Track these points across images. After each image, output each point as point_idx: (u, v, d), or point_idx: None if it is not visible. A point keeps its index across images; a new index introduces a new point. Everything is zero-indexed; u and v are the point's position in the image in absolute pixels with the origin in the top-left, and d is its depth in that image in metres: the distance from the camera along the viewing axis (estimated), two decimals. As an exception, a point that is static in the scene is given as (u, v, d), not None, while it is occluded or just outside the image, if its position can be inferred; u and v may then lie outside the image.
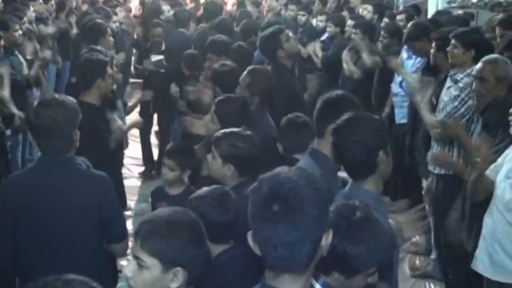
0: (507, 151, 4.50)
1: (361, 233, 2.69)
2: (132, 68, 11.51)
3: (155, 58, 9.41)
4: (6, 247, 3.83)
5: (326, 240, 2.25)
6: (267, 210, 2.20)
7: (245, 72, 5.50)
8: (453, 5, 10.60)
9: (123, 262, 4.85)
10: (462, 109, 5.54)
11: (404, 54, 7.85)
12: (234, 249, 3.51)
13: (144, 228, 2.66)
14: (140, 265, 2.62)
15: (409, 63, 7.70)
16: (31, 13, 10.02)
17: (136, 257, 2.64)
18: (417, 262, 6.93)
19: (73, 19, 11.84)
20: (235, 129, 4.32)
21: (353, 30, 8.95)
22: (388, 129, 3.53)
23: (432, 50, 6.36)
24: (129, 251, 3.79)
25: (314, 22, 11.24)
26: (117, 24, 10.53)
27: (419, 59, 7.41)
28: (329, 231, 2.26)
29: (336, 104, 3.88)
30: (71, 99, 4.09)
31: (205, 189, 3.69)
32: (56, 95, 4.48)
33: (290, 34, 6.62)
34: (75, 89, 6.04)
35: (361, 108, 3.95)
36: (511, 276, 4.34)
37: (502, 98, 5.00)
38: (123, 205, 5.69)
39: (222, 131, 4.29)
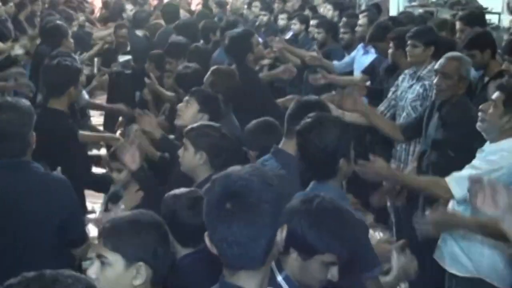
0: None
1: (320, 216, 2.67)
2: (95, 70, 11.49)
3: (122, 58, 9.41)
4: None
5: (281, 235, 2.26)
6: (221, 209, 2.22)
7: (209, 72, 5.54)
8: (413, 3, 10.71)
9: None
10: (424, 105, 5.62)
11: (360, 50, 7.93)
12: (198, 252, 3.45)
13: (107, 227, 2.69)
14: (103, 263, 2.63)
15: (365, 58, 7.78)
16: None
17: (99, 256, 2.65)
18: (385, 266, 7.03)
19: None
20: (205, 122, 4.42)
21: (316, 30, 9.03)
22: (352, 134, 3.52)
23: (390, 50, 6.44)
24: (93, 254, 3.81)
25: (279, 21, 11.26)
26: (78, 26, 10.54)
27: (374, 55, 7.52)
28: (283, 227, 2.27)
29: (308, 107, 3.91)
30: (24, 101, 4.08)
31: (182, 189, 3.67)
32: (9, 98, 4.45)
33: (258, 38, 6.70)
34: (42, 93, 6.02)
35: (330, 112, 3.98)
36: (460, 269, 4.38)
37: (459, 97, 5.07)
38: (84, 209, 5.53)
39: (193, 125, 4.32)
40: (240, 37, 6.44)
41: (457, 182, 4.17)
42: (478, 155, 4.32)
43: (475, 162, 4.25)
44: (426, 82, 5.78)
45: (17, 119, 3.83)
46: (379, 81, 7.16)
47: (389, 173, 4.54)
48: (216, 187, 2.27)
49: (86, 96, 7.64)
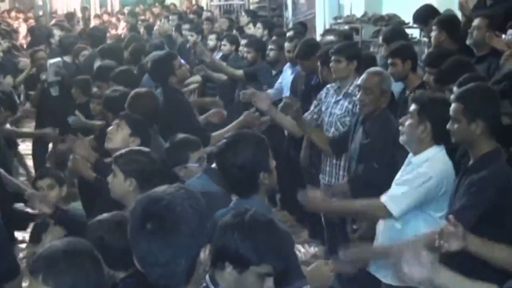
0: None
1: (252, 228, 2.67)
2: (22, 97, 11.40)
3: (52, 61, 9.33)
4: None
5: (204, 254, 2.29)
6: (142, 229, 2.26)
7: (128, 96, 5.51)
8: (339, 21, 10.85)
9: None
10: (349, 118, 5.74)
11: (287, 71, 8.02)
12: (131, 277, 3.45)
13: (43, 264, 2.57)
14: None
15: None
16: None
17: None
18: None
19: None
20: (133, 147, 4.40)
21: (246, 49, 9.05)
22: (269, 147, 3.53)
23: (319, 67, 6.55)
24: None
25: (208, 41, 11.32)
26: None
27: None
28: (206, 246, 2.30)
29: None
30: None
31: (105, 214, 3.67)
32: None
33: (182, 60, 6.72)
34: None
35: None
36: (393, 278, 4.35)
37: (381, 110, 5.15)
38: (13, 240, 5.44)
39: (122, 151, 4.28)
40: (162, 60, 6.47)
41: (393, 201, 4.26)
42: (406, 167, 4.41)
43: (407, 176, 4.32)
44: (355, 98, 5.75)
45: None
46: (301, 97, 7.23)
47: (325, 206, 4.61)
48: (138, 208, 2.31)
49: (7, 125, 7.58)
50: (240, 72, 8.85)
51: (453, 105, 3.93)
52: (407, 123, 4.28)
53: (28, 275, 2.68)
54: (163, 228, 2.24)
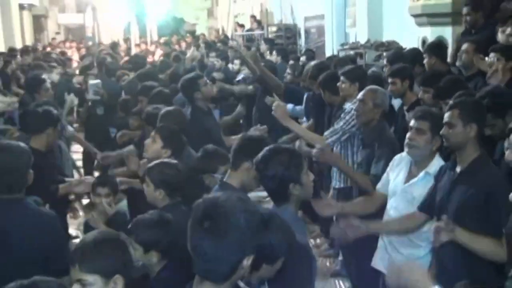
0: (388, 169, 4.63)
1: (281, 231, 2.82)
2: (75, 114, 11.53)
3: (92, 82, 9.41)
4: None
5: (247, 262, 2.26)
6: (200, 225, 2.23)
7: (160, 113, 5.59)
8: (345, 47, 10.86)
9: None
10: (347, 128, 5.64)
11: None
12: (170, 265, 3.54)
13: (78, 254, 2.66)
14: (84, 285, 2.60)
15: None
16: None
17: (78, 280, 2.61)
18: (327, 263, 7.11)
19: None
20: (163, 160, 4.41)
21: None
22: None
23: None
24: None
25: (230, 66, 11.39)
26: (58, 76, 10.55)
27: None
28: (250, 256, 2.26)
29: (253, 143, 3.88)
30: (22, 144, 4.00)
31: (146, 214, 3.79)
32: (8, 141, 4.39)
33: (208, 81, 6.76)
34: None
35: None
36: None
37: (376, 121, 5.11)
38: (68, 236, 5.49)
39: (153, 162, 4.34)
40: (190, 79, 6.51)
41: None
42: (424, 178, 4.33)
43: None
44: (346, 110, 5.83)
45: (16, 159, 3.78)
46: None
47: (335, 209, 4.55)
48: (201, 206, 2.29)
49: (71, 129, 7.77)
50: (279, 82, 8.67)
51: (448, 113, 3.90)
52: (421, 138, 4.24)
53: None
54: (216, 230, 2.21)
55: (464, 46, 6.15)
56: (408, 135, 4.30)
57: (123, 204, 5.88)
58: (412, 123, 4.29)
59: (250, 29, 18.13)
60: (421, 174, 4.32)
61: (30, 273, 3.51)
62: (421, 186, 4.30)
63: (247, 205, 2.34)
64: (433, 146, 4.25)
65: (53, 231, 3.82)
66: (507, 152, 3.43)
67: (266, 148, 3.47)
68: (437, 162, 4.27)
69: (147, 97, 6.98)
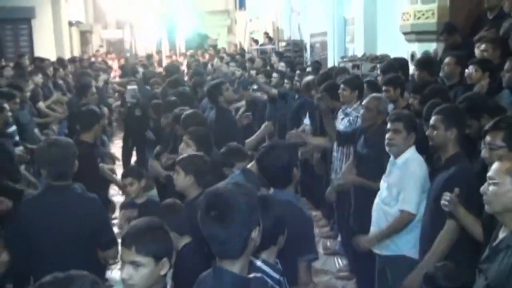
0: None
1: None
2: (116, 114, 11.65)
3: (130, 88, 9.46)
4: (21, 254, 3.73)
5: (255, 234, 2.28)
6: (207, 215, 2.25)
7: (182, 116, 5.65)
8: (345, 59, 10.81)
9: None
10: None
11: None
12: (192, 243, 3.53)
13: (133, 237, 2.62)
14: (137, 265, 2.56)
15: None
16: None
17: (131, 262, 2.57)
18: (328, 243, 7.10)
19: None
20: (192, 153, 4.41)
21: (274, 74, 9.32)
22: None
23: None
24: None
25: (246, 75, 11.40)
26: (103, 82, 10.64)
27: None
28: (256, 228, 2.29)
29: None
30: (69, 139, 4.05)
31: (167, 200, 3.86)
32: (58, 137, 4.43)
33: (229, 87, 6.78)
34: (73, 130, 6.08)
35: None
36: (388, 250, 4.40)
37: (378, 126, 5.10)
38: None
39: (184, 154, 4.34)
40: (214, 86, 6.52)
41: (409, 204, 4.23)
42: (392, 167, 4.41)
43: (403, 181, 4.26)
44: (351, 117, 5.90)
45: (64, 152, 3.81)
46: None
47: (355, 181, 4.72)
48: (204, 200, 2.31)
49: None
50: (275, 91, 8.86)
51: (433, 117, 3.94)
52: (399, 137, 4.27)
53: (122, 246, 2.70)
54: (222, 217, 2.23)
55: (447, 59, 6.16)
56: (387, 135, 4.33)
57: (154, 193, 5.90)
58: (389, 125, 4.33)
59: (263, 44, 18.13)
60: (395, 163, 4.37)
61: (79, 247, 3.68)
62: (394, 173, 4.36)
63: (243, 188, 2.35)
64: (410, 141, 4.28)
65: (96, 211, 3.85)
66: (483, 151, 3.43)
67: (268, 144, 3.56)
68: (409, 153, 4.29)
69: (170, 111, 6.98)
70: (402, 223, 4.27)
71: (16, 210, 4.14)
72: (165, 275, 2.72)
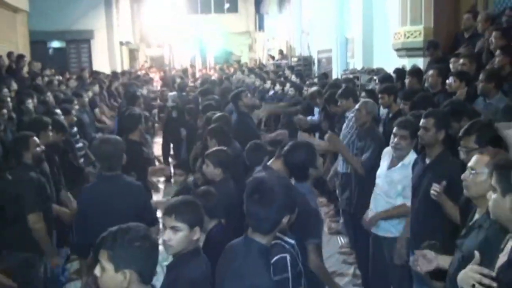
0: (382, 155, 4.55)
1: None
2: (156, 117, 11.71)
3: (170, 94, 9.55)
4: (86, 231, 3.80)
5: (285, 220, 2.32)
6: (251, 197, 2.30)
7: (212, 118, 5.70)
8: (346, 72, 10.79)
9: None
10: (351, 131, 5.56)
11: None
12: (219, 225, 3.51)
13: (174, 207, 2.70)
14: (176, 230, 2.64)
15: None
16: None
17: (171, 227, 2.65)
18: (332, 225, 7.07)
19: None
20: (218, 147, 4.42)
21: (290, 89, 9.16)
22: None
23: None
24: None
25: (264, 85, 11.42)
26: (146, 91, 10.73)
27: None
28: (287, 216, 2.32)
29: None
30: (118, 138, 4.11)
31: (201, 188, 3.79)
32: (110, 135, 4.47)
33: (248, 94, 6.80)
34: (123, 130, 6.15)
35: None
36: (382, 231, 4.39)
37: (369, 123, 5.10)
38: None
39: (212, 149, 4.36)
40: (235, 93, 6.59)
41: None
42: (402, 167, 4.28)
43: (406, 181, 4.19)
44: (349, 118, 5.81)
45: (114, 147, 3.85)
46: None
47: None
48: (251, 183, 2.36)
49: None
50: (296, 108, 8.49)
51: (425, 119, 3.85)
52: (405, 142, 4.20)
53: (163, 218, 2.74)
54: (263, 200, 2.28)
55: (430, 72, 6.11)
56: (395, 140, 4.24)
57: (190, 180, 5.93)
58: (395, 130, 4.23)
59: (278, 59, 18.10)
60: (399, 164, 4.30)
61: None
62: (399, 172, 4.29)
63: (283, 181, 2.40)
64: (412, 146, 4.23)
65: (140, 196, 3.89)
66: (460, 153, 3.37)
67: (292, 143, 3.52)
68: (411, 156, 4.23)
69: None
70: (400, 213, 4.27)
71: (78, 196, 4.22)
72: (198, 240, 2.77)
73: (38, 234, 4.16)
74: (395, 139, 4.22)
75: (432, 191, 3.43)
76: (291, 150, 3.41)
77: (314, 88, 7.90)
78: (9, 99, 7.35)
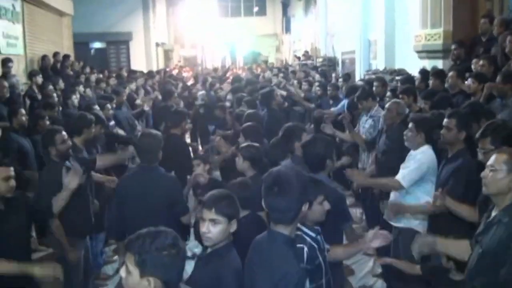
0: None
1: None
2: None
3: (200, 93, 9.58)
4: (123, 216, 3.89)
5: (305, 208, 2.30)
6: (271, 190, 2.28)
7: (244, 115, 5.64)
8: (369, 72, 10.69)
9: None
10: (375, 130, 5.57)
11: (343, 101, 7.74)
12: (249, 215, 3.49)
13: (214, 201, 2.63)
14: (215, 223, 2.58)
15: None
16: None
17: (211, 220, 2.58)
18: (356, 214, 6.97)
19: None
20: (250, 143, 4.37)
21: (317, 88, 9.04)
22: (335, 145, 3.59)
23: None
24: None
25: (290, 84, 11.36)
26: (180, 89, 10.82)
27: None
28: (306, 203, 2.30)
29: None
30: (158, 132, 4.14)
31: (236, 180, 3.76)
32: (149, 130, 4.51)
33: (278, 92, 6.79)
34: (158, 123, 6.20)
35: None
36: (400, 223, 4.34)
37: (398, 124, 5.04)
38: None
39: (243, 144, 4.33)
40: (268, 92, 6.56)
41: (403, 178, 4.16)
42: (408, 158, 4.30)
43: (409, 163, 4.20)
44: (375, 118, 5.84)
45: (154, 142, 3.90)
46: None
47: (363, 181, 4.56)
48: (270, 177, 2.34)
49: None
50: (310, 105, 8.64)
51: (448, 120, 3.85)
52: (410, 133, 4.21)
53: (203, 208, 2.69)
54: (283, 192, 2.26)
55: (450, 73, 6.01)
56: (404, 132, 4.28)
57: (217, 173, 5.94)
58: (410, 125, 4.24)
59: (304, 60, 18.02)
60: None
61: (160, 214, 3.73)
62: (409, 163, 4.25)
63: (299, 172, 2.38)
64: (420, 139, 4.17)
65: (173, 187, 3.92)
66: (479, 154, 3.32)
67: (312, 136, 3.57)
68: (422, 149, 4.18)
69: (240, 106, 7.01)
70: (389, 186, 4.27)
71: (116, 184, 4.29)
72: (233, 233, 2.73)
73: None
74: (405, 131, 4.26)
75: (437, 202, 3.39)
76: (311, 142, 3.43)
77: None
78: (55, 95, 7.54)
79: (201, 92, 10.02)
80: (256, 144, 4.28)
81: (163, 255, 1.92)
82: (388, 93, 6.26)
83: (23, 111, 5.95)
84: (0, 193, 3.27)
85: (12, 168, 3.33)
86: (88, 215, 4.34)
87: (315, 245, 2.68)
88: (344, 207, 3.31)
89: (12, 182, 3.31)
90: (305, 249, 2.61)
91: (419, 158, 4.14)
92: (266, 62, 25.69)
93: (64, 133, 4.28)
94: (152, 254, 1.91)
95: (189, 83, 15.04)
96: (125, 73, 12.86)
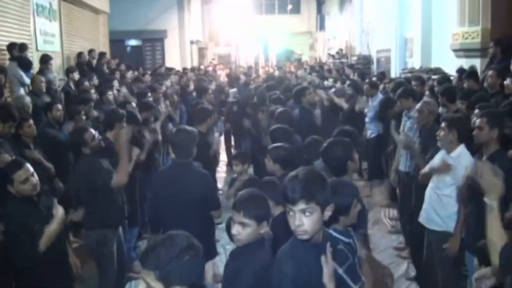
0: (437, 155, 4.38)
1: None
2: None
3: (232, 90, 9.60)
4: (157, 210, 3.95)
5: (327, 211, 2.20)
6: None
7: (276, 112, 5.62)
8: (405, 71, 10.52)
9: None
10: (413, 130, 5.44)
11: (379, 96, 7.59)
12: (284, 213, 3.47)
13: (243, 204, 2.59)
14: (244, 225, 2.55)
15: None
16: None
17: (240, 222, 2.56)
18: (392, 223, 6.84)
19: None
20: (278, 144, 4.32)
21: (348, 88, 8.88)
22: (354, 146, 3.45)
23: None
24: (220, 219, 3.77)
25: (325, 82, 11.26)
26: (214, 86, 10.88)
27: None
28: (329, 208, 2.20)
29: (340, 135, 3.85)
30: (193, 128, 4.18)
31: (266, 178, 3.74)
32: (185, 126, 4.52)
33: (311, 90, 6.71)
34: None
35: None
36: (435, 225, 4.23)
37: (430, 124, 4.95)
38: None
39: (272, 145, 4.27)
40: (299, 89, 6.50)
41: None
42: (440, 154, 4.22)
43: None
44: (414, 119, 5.58)
45: (189, 138, 3.94)
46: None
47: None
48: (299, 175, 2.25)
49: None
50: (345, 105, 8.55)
51: (479, 119, 3.77)
52: (441, 133, 4.09)
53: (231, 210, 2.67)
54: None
55: (489, 72, 5.88)
56: (437, 132, 4.16)
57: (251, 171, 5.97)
58: (443, 125, 4.13)
59: (338, 58, 17.88)
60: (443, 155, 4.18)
61: (193, 208, 3.78)
62: (439, 157, 4.19)
63: (320, 173, 2.30)
64: (451, 138, 4.03)
65: (206, 183, 3.95)
66: None
67: (329, 141, 3.44)
68: (459, 150, 4.05)
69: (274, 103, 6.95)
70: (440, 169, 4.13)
71: (151, 180, 4.33)
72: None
73: None
74: (438, 132, 4.16)
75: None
76: (328, 147, 3.35)
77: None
78: (92, 90, 7.71)
79: (233, 90, 10.05)
80: (285, 145, 4.22)
81: (184, 260, 1.84)
82: (427, 93, 6.13)
83: (59, 106, 6.09)
84: (26, 195, 3.41)
85: (28, 167, 3.43)
86: (119, 207, 4.40)
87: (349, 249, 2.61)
88: (365, 214, 3.22)
89: (33, 181, 3.43)
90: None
91: (464, 164, 3.92)
92: (299, 60, 25.61)
93: (92, 130, 4.30)
94: (172, 264, 1.83)
95: (223, 80, 15.15)
96: (163, 70, 13.03)
